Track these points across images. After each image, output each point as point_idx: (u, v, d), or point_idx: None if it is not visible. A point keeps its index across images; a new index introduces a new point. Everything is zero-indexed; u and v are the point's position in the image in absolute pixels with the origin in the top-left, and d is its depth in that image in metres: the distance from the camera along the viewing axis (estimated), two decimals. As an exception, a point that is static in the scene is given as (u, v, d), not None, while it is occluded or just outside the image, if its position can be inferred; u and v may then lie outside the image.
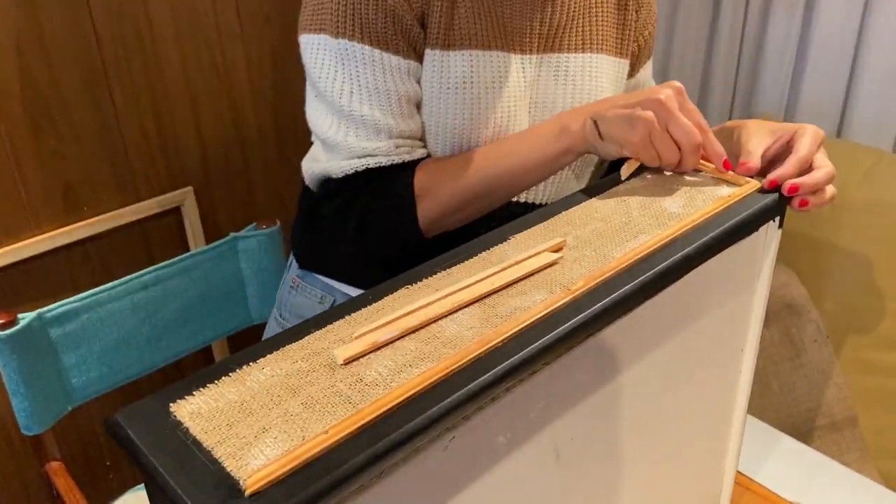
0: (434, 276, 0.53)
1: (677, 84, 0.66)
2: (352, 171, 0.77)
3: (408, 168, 0.77)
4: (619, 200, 0.63)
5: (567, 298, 0.49)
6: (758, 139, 0.71)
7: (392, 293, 0.51)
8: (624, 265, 0.52)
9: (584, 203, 0.63)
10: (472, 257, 0.55)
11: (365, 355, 0.45)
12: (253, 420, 0.40)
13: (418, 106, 0.79)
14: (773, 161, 0.70)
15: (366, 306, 0.50)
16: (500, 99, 0.78)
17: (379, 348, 0.45)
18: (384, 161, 0.76)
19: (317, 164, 0.81)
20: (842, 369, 1.27)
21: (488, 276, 0.51)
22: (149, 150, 1.34)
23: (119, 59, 1.26)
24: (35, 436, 1.04)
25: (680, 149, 0.64)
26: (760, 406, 1.27)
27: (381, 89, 0.74)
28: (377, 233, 0.79)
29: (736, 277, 0.65)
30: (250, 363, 0.44)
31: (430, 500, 0.44)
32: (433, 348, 0.45)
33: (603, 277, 0.51)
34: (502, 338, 0.45)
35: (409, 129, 0.77)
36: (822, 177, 0.66)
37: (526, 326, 0.46)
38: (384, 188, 0.77)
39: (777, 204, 0.63)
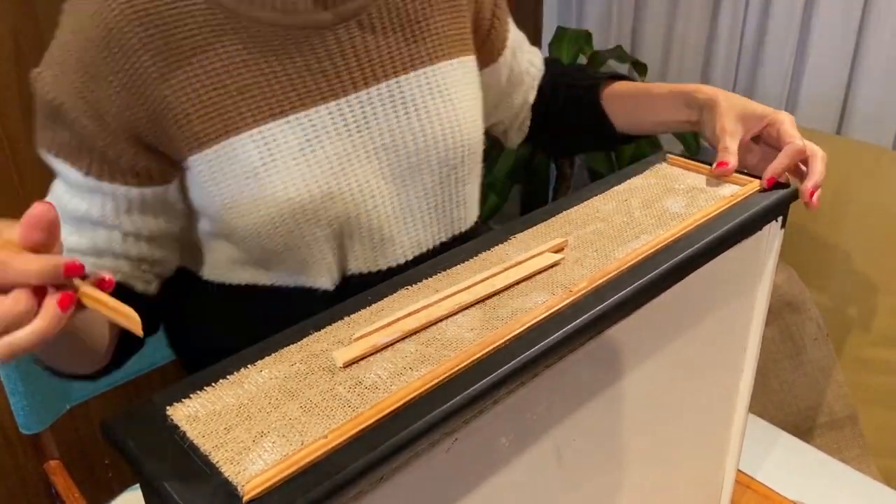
0: (434, 276, 0.52)
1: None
2: None
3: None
4: (621, 200, 0.62)
5: (569, 300, 0.48)
6: (731, 130, 0.68)
7: (392, 294, 0.50)
8: (626, 266, 0.52)
9: (585, 203, 0.62)
10: (472, 257, 0.55)
11: (364, 358, 0.44)
12: (251, 424, 0.39)
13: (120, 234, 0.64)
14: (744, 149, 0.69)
15: (365, 307, 0.49)
16: (317, 163, 0.65)
17: (378, 351, 0.45)
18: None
19: None
20: (842, 367, 1.27)
21: (489, 277, 0.51)
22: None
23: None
24: (33, 435, 1.04)
25: None
26: (761, 404, 1.27)
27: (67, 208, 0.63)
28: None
29: (738, 277, 0.64)
30: (248, 366, 0.44)
31: (431, 503, 0.44)
32: (433, 350, 0.44)
33: (605, 278, 0.51)
34: (503, 340, 0.45)
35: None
36: (823, 167, 0.65)
37: (527, 328, 0.46)
38: None
39: (780, 203, 0.63)
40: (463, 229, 0.78)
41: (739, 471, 0.83)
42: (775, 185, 0.63)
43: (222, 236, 0.68)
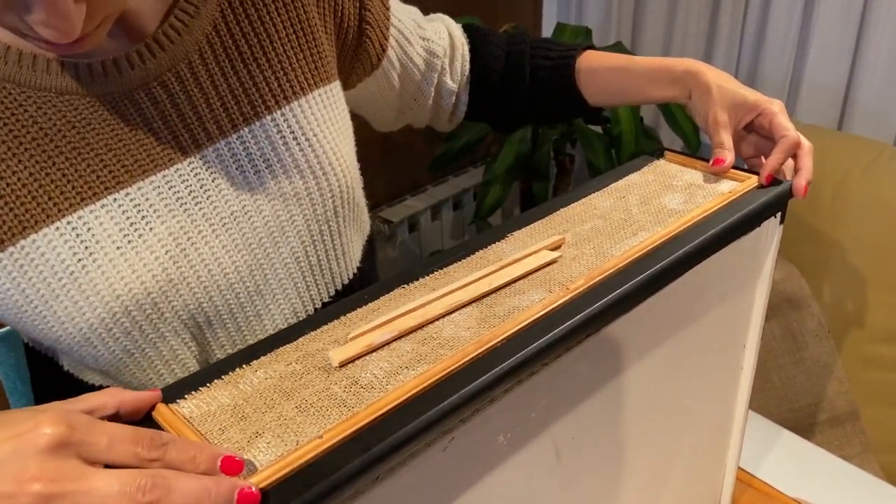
0: (430, 275, 0.52)
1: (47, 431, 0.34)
2: None
3: None
4: (619, 197, 0.62)
5: (566, 297, 0.48)
6: (724, 121, 0.66)
7: (388, 293, 0.50)
8: (624, 263, 0.52)
9: (582, 200, 0.62)
10: (469, 256, 0.54)
11: (360, 357, 0.44)
12: (246, 424, 0.39)
13: None
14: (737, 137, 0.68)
15: (361, 306, 0.49)
16: (147, 249, 0.55)
17: (375, 350, 0.44)
18: None
19: None
20: (843, 363, 1.27)
21: (486, 276, 0.51)
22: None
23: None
24: (33, 434, 1.04)
25: None
26: (761, 401, 1.27)
27: None
28: None
29: (737, 274, 0.64)
30: (243, 365, 0.44)
31: (428, 503, 0.44)
32: (430, 349, 0.44)
33: (602, 276, 0.50)
34: (500, 338, 0.44)
35: None
36: (811, 161, 0.64)
37: (524, 326, 0.46)
38: None
39: (778, 199, 0.62)
40: (346, 282, 0.69)
41: (740, 468, 0.82)
42: (773, 181, 0.63)
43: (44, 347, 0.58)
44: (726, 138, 0.65)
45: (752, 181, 0.63)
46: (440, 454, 0.42)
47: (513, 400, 0.45)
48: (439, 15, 0.83)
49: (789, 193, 0.63)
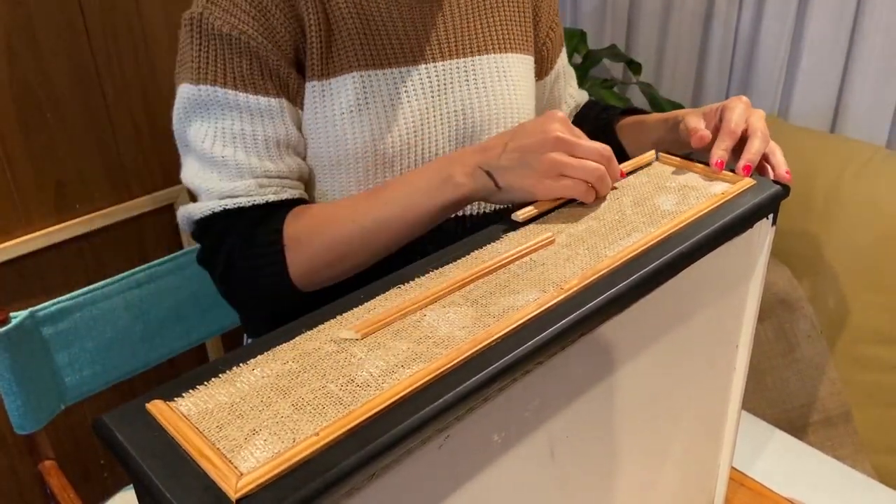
0: (426, 275, 0.53)
1: (560, 114, 0.64)
2: (209, 213, 0.72)
3: (275, 213, 0.72)
4: (612, 198, 0.63)
5: (560, 297, 0.49)
6: (696, 124, 0.72)
7: (384, 292, 0.51)
8: (617, 263, 0.52)
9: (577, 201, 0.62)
10: (464, 256, 0.55)
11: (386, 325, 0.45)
12: (243, 422, 0.39)
13: (296, 147, 0.76)
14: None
15: (357, 306, 0.49)
16: (402, 115, 0.77)
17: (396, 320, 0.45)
18: (244, 202, 0.71)
19: (184, 208, 0.76)
20: (835, 364, 1.28)
21: (481, 275, 0.51)
22: (141, 147, 1.33)
23: (110, 55, 1.25)
24: (28, 435, 1.03)
25: (588, 179, 0.61)
26: (754, 401, 1.27)
27: (245, 132, 0.72)
28: (243, 281, 0.72)
29: (730, 275, 0.65)
30: (240, 364, 0.44)
31: (424, 500, 0.44)
32: (425, 348, 0.44)
33: (596, 276, 0.51)
34: (495, 337, 0.45)
35: (278, 169, 0.74)
36: (761, 145, 0.67)
37: (519, 326, 0.46)
38: (249, 233, 0.71)
39: (771, 201, 0.63)
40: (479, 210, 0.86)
41: (733, 468, 0.83)
42: (773, 181, 0.64)
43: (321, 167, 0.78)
44: (698, 123, 0.72)
45: (745, 183, 0.64)
46: (435, 452, 0.43)
47: (507, 398, 0.46)
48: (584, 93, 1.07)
49: (783, 194, 0.64)
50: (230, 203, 0.72)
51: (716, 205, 0.60)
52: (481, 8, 0.83)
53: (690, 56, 1.68)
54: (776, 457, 0.98)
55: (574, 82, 1.02)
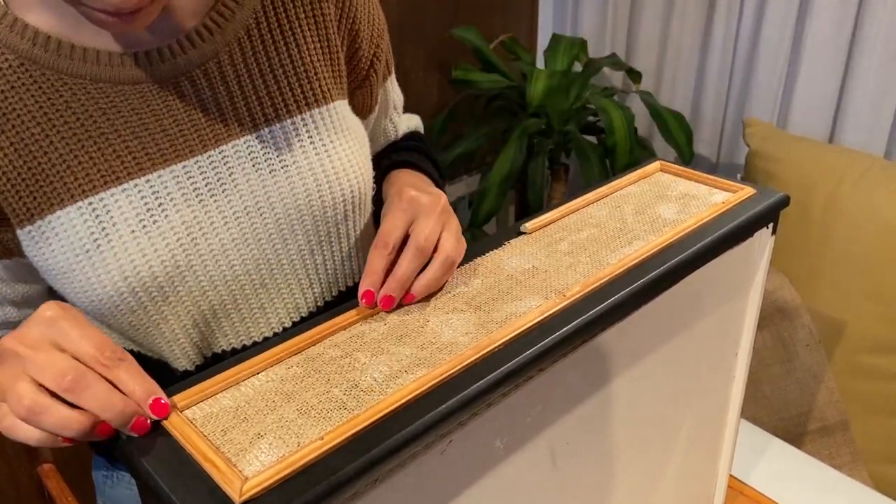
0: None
1: (48, 314, 0.43)
2: None
3: None
4: (614, 207, 0.63)
5: (562, 304, 0.49)
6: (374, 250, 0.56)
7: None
8: (619, 271, 0.53)
9: (579, 209, 0.63)
10: (466, 263, 0.55)
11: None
12: (248, 426, 0.40)
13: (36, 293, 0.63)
14: None
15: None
16: (160, 236, 0.58)
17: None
18: None
19: None
20: (833, 373, 1.28)
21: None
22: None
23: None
24: (27, 438, 1.03)
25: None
26: (753, 410, 1.28)
27: None
28: None
29: (730, 283, 0.65)
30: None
31: (424, 505, 0.44)
32: (429, 354, 0.45)
33: (598, 283, 0.51)
34: (498, 344, 0.45)
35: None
36: (434, 271, 0.53)
37: (521, 332, 0.46)
38: None
39: (771, 211, 0.64)
40: (350, 284, 0.70)
41: (731, 476, 0.83)
42: (773, 190, 0.64)
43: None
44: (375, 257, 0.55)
45: (746, 192, 0.64)
46: (438, 457, 0.43)
47: (509, 404, 0.46)
48: (415, 116, 0.86)
49: (783, 204, 0.64)
50: None
51: (716, 214, 0.60)
52: (262, 68, 0.61)
53: (690, 65, 1.69)
54: (774, 465, 0.98)
55: (398, 111, 0.81)
